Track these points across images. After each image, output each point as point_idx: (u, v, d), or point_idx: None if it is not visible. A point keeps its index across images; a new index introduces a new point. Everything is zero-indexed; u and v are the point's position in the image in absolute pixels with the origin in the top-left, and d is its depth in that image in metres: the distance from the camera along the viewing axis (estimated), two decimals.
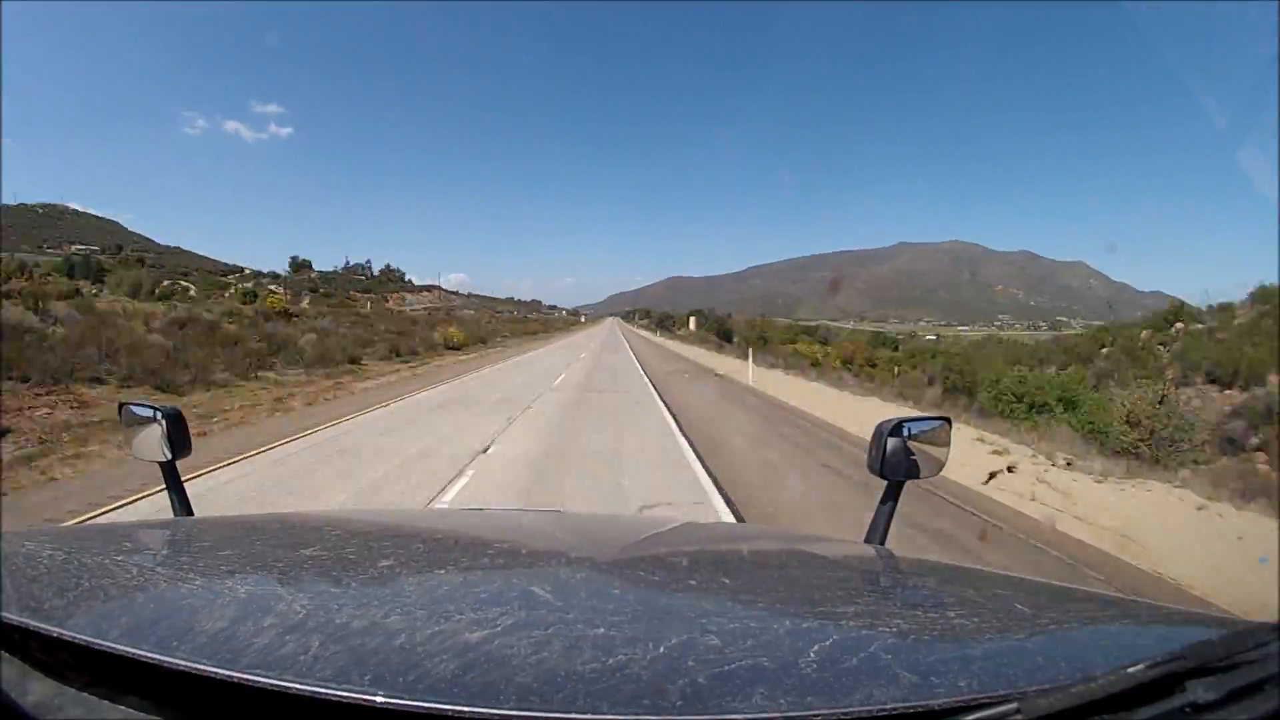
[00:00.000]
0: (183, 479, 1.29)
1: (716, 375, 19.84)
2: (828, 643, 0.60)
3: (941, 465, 1.31)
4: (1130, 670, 0.52)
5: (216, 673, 0.51)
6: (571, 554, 1.00)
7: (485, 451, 7.27)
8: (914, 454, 1.26)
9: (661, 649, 0.57)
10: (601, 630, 0.62)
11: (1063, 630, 0.70)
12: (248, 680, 0.50)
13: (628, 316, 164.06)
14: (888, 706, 0.48)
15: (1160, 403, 10.29)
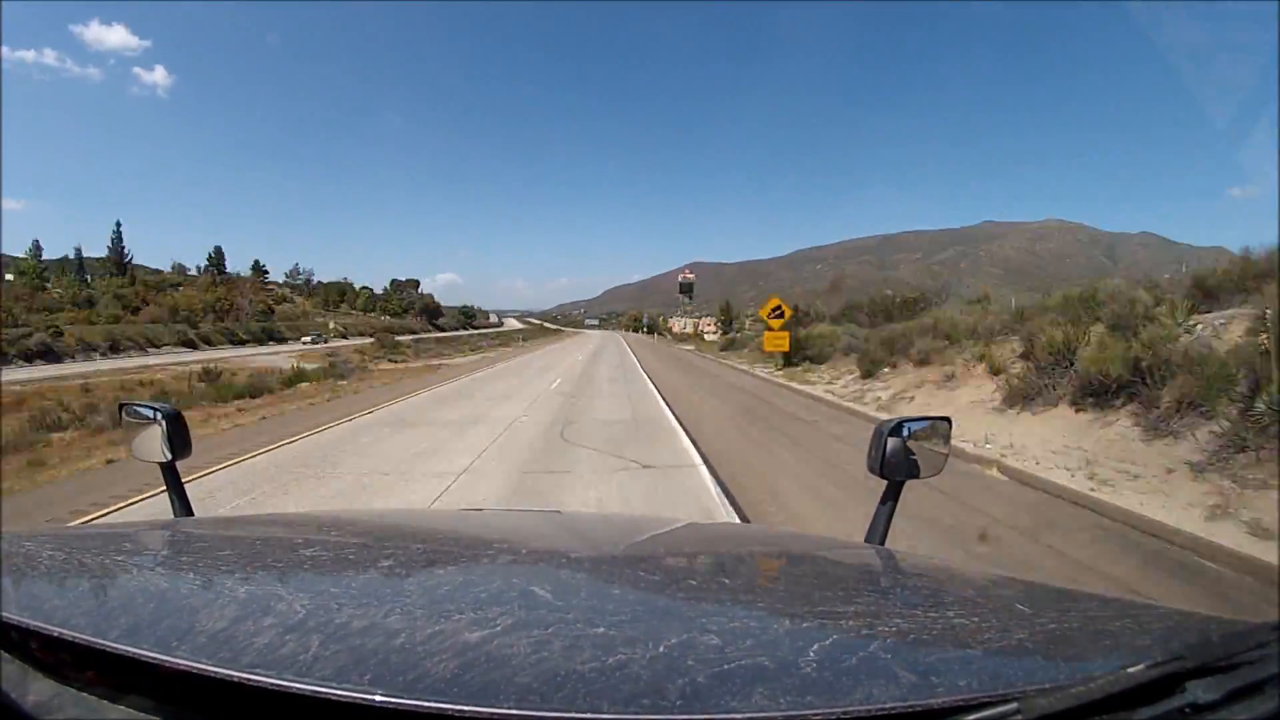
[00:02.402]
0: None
1: None
2: (828, 642, 0.60)
3: (942, 464, 1.31)
4: (1130, 670, 0.52)
5: (217, 672, 0.51)
6: (571, 554, 1.00)
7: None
8: (914, 453, 1.26)
9: (661, 648, 0.57)
10: (601, 630, 0.62)
11: (1063, 630, 0.70)
12: (248, 679, 0.50)
13: (726, 331, 55.68)
14: (887, 706, 0.48)
15: None
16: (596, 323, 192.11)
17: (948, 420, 1.38)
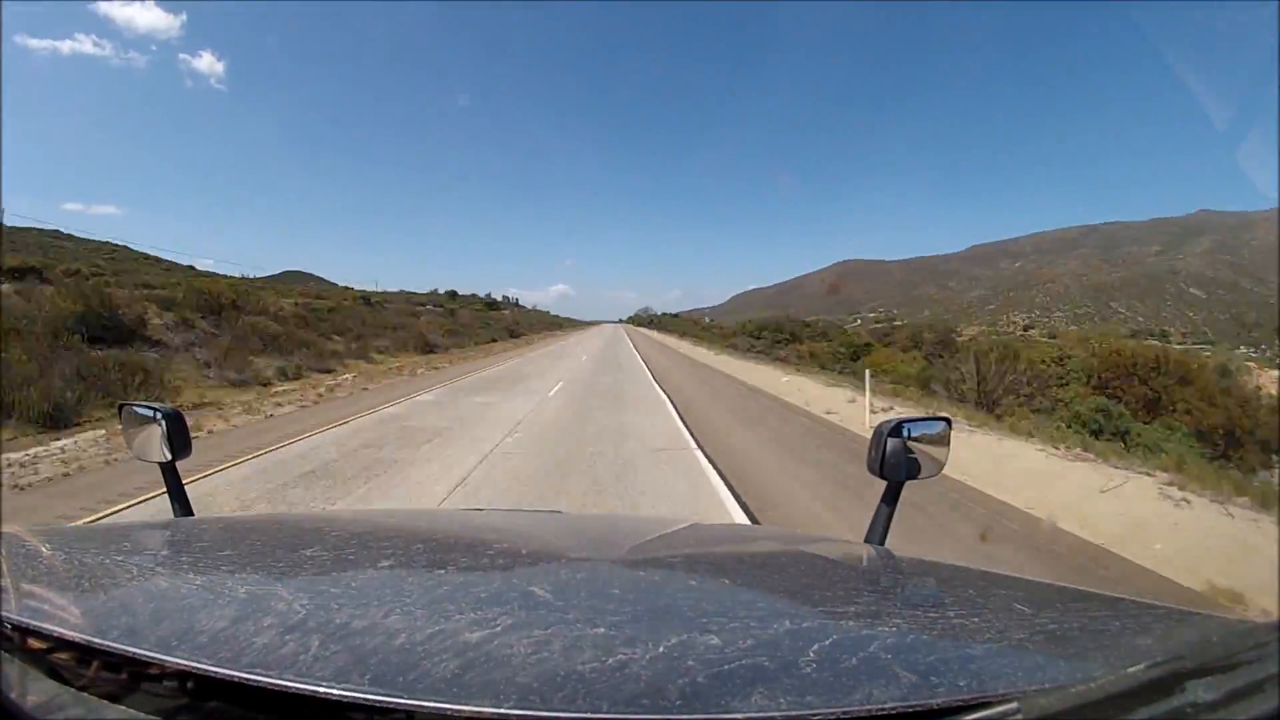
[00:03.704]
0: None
1: None
2: (828, 642, 0.60)
3: (941, 465, 1.31)
4: (1130, 670, 0.52)
5: (217, 672, 0.51)
6: (571, 554, 1.00)
7: None
8: (914, 454, 1.26)
9: (661, 649, 0.57)
10: (601, 630, 0.62)
11: (1063, 630, 0.70)
12: (248, 679, 0.50)
13: None
14: (887, 706, 0.48)
15: None
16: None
17: (947, 421, 1.38)
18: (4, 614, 0.58)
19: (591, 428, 8.66)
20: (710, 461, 6.77)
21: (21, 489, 5.58)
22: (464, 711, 0.47)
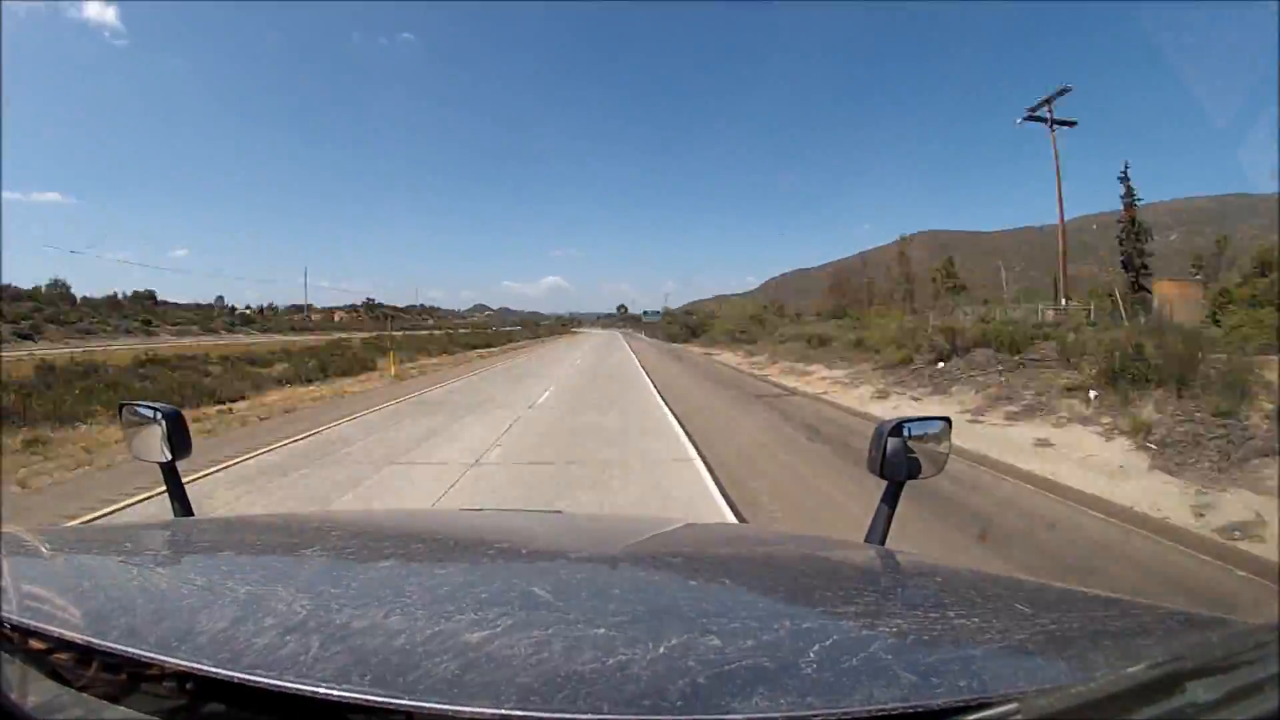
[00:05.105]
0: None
1: None
2: (828, 643, 0.60)
3: (942, 465, 1.31)
4: (1130, 670, 0.52)
5: (217, 673, 0.51)
6: (572, 554, 1.00)
7: None
8: (914, 454, 1.26)
9: (662, 649, 0.57)
10: (602, 630, 0.62)
11: (1063, 630, 0.70)
12: (248, 680, 0.50)
13: None
14: (888, 706, 0.48)
15: None
16: None
17: (948, 420, 1.38)
18: (4, 614, 0.58)
19: None
20: None
21: None
22: (464, 712, 0.47)
